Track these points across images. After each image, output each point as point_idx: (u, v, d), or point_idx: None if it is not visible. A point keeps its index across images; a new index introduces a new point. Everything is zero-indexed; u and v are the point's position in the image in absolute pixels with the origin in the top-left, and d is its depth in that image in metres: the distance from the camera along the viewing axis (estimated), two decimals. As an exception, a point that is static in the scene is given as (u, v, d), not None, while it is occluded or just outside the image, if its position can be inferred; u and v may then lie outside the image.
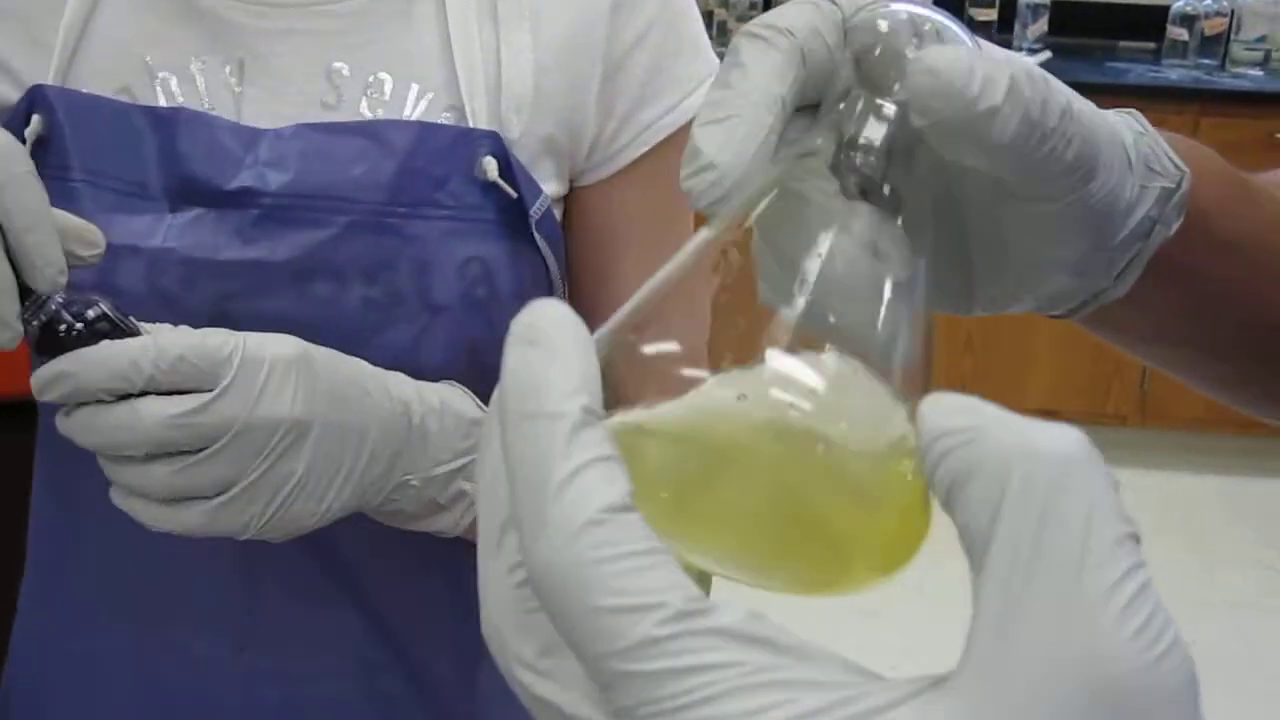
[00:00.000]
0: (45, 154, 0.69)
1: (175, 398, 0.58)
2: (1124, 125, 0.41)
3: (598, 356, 0.26)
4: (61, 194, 0.67)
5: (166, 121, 0.69)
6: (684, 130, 0.76)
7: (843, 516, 0.29)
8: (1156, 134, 0.42)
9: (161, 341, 0.58)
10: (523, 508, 0.24)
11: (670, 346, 0.30)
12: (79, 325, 0.58)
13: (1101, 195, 0.39)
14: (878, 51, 0.35)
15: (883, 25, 0.36)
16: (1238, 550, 2.99)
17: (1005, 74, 0.34)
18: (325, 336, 0.64)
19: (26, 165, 0.57)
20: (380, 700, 0.77)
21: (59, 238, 0.58)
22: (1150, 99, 3.02)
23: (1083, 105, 0.38)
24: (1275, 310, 0.48)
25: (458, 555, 0.76)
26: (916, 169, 0.35)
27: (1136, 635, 0.22)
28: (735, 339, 0.31)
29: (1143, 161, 0.41)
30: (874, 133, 0.35)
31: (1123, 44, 3.61)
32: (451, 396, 0.68)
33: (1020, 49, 3.40)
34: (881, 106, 0.35)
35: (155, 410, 0.57)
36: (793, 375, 0.29)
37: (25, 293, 0.57)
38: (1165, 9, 3.41)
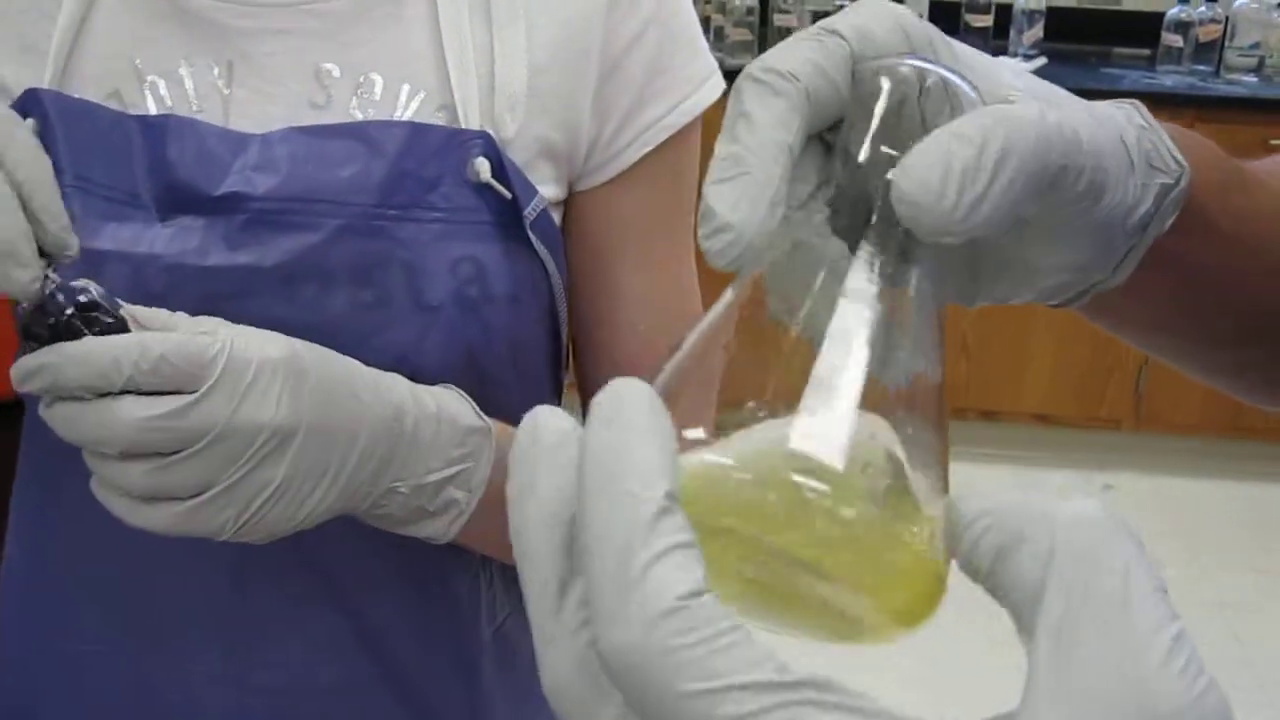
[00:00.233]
0: None
1: (155, 399, 0.57)
2: (1126, 121, 0.41)
3: None
4: None
5: (155, 129, 0.69)
6: (684, 130, 0.75)
7: (866, 586, 0.30)
8: (1158, 126, 0.42)
9: (145, 340, 0.57)
10: (600, 587, 0.25)
11: (698, 433, 0.30)
12: (69, 310, 0.57)
13: (1109, 208, 0.39)
14: (879, 107, 0.36)
15: (885, 83, 0.36)
16: (1232, 553, 3.00)
17: (995, 149, 0.33)
18: (317, 341, 0.63)
19: (27, 129, 0.57)
20: (368, 707, 0.77)
21: (60, 197, 0.58)
22: (1145, 105, 3.00)
23: (1088, 119, 0.38)
24: (1272, 297, 0.48)
25: (449, 564, 0.76)
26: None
27: (1181, 674, 0.25)
28: (752, 390, 0.31)
29: (1145, 160, 0.41)
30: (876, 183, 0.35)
31: (1118, 50, 3.61)
32: (448, 402, 0.67)
33: (1015, 55, 3.40)
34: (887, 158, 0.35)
35: (132, 411, 0.57)
36: (812, 456, 0.30)
37: None
38: (1160, 15, 3.42)
